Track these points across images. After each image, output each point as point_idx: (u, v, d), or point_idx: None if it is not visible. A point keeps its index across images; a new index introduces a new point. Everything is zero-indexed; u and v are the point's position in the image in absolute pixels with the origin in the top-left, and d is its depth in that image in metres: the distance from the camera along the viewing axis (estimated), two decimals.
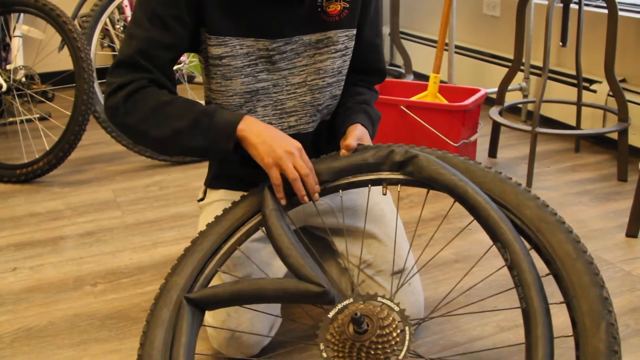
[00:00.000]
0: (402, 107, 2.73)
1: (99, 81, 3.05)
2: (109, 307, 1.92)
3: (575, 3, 2.82)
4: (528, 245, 1.31)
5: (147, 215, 2.51)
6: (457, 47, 3.70)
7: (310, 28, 1.54)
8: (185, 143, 1.44)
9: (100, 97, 3.01)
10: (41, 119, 3.36)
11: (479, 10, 3.82)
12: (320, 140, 1.69)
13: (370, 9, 1.63)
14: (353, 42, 1.62)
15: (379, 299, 1.32)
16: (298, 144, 1.46)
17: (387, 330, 1.23)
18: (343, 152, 1.52)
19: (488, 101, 3.33)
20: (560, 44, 2.88)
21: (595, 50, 3.07)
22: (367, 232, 1.68)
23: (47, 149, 2.85)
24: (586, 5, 2.93)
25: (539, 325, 1.19)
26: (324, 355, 1.25)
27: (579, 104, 2.98)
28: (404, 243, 1.74)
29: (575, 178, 2.77)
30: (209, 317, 1.60)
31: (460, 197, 1.37)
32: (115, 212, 2.56)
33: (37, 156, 2.88)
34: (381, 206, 1.72)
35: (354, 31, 1.60)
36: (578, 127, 3.04)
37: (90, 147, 3.27)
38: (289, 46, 1.53)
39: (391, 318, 1.25)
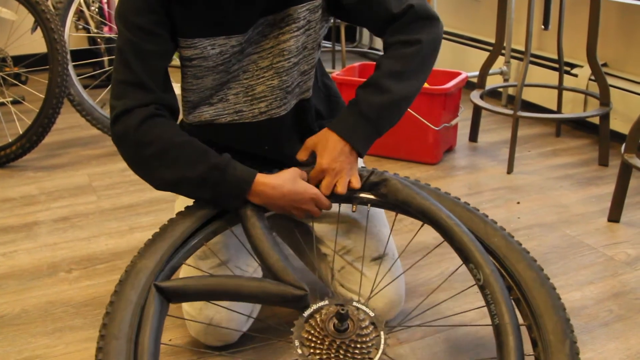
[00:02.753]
0: None
1: (73, 63, 2.99)
2: (84, 294, 1.88)
3: None
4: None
5: (123, 200, 2.47)
6: None
7: (272, 7, 1.48)
8: (190, 192, 1.43)
9: (75, 80, 2.95)
10: (14, 102, 3.29)
11: None
12: (305, 119, 1.64)
13: None
14: (317, 14, 1.51)
15: (355, 303, 1.34)
16: (309, 195, 1.46)
17: (365, 332, 1.26)
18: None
19: (468, 85, 3.30)
20: (543, 27, 2.86)
21: (577, 34, 3.06)
22: (347, 218, 1.65)
23: (21, 132, 2.79)
24: None
25: (512, 339, 1.25)
26: (299, 351, 1.24)
27: (560, 88, 2.97)
28: (385, 228, 1.71)
29: (557, 162, 2.76)
30: (187, 305, 1.56)
31: (434, 221, 1.43)
32: (91, 197, 2.51)
33: (10, 140, 2.82)
34: None
35: (317, 1, 1.49)
36: (559, 111, 3.02)
37: (65, 130, 3.22)
38: (256, 29, 1.49)
39: (367, 321, 1.29)
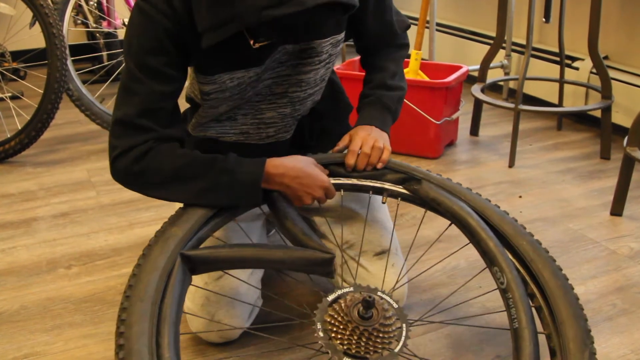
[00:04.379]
0: None
1: (72, 58, 2.97)
2: (83, 290, 1.87)
3: None
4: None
5: (122, 196, 2.45)
6: (437, 24, 3.65)
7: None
8: (210, 202, 1.41)
9: (74, 75, 2.93)
10: (13, 97, 3.27)
11: None
12: (303, 136, 1.65)
13: (367, 14, 1.58)
14: (339, 47, 1.56)
15: (379, 293, 1.34)
16: (322, 181, 1.46)
17: (389, 322, 1.25)
18: (347, 164, 1.53)
19: (468, 79, 3.29)
20: (544, 19, 2.84)
21: (578, 27, 3.04)
22: (350, 212, 1.64)
23: (19, 128, 2.78)
24: None
25: (529, 345, 1.26)
26: (321, 334, 1.24)
27: (561, 81, 2.95)
28: (388, 223, 1.70)
29: (558, 156, 2.74)
30: (188, 301, 1.55)
31: (461, 223, 1.46)
32: (90, 193, 2.50)
33: (8, 135, 2.80)
34: None
35: (340, 36, 1.54)
36: (560, 104, 3.01)
37: (64, 126, 3.20)
38: (274, 56, 1.47)
39: (391, 312, 1.28)
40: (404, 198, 1.55)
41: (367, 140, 1.53)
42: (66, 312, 1.77)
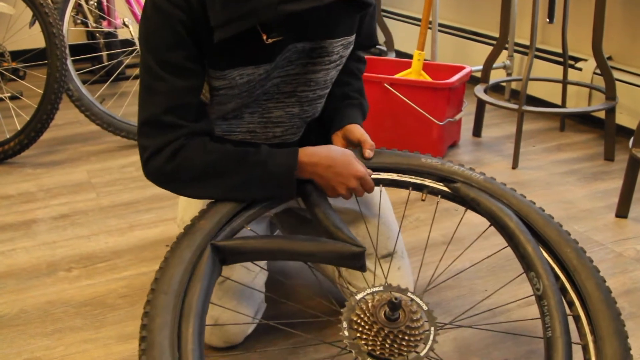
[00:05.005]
0: (385, 84, 2.66)
1: (72, 58, 2.95)
2: (83, 293, 1.84)
3: None
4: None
5: (123, 197, 2.43)
6: (439, 24, 3.63)
7: (305, 36, 1.45)
8: (245, 196, 1.41)
9: (74, 75, 2.91)
10: (12, 97, 3.24)
11: None
12: (309, 139, 1.63)
13: (367, 15, 1.58)
14: (349, 50, 1.55)
15: (409, 294, 1.33)
16: (358, 171, 1.45)
17: (416, 325, 1.24)
18: (368, 152, 1.53)
19: (471, 80, 3.27)
20: (548, 20, 2.82)
21: (581, 28, 3.02)
22: (356, 214, 1.62)
23: (19, 128, 2.76)
24: None
25: (562, 355, 1.21)
26: (346, 333, 1.24)
27: (565, 82, 2.93)
28: (394, 225, 1.68)
29: (562, 157, 2.72)
30: None
31: (500, 225, 1.44)
32: (90, 194, 2.47)
33: (8, 136, 2.78)
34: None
35: (352, 37, 1.53)
36: (563, 105, 2.99)
37: (64, 126, 3.18)
38: (283, 55, 1.45)
39: (419, 315, 1.26)
40: (444, 196, 1.54)
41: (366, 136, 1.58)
42: (66, 316, 1.75)
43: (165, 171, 1.37)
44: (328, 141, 1.65)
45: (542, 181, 2.50)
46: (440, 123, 2.64)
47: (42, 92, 2.71)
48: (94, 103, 2.94)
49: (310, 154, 1.41)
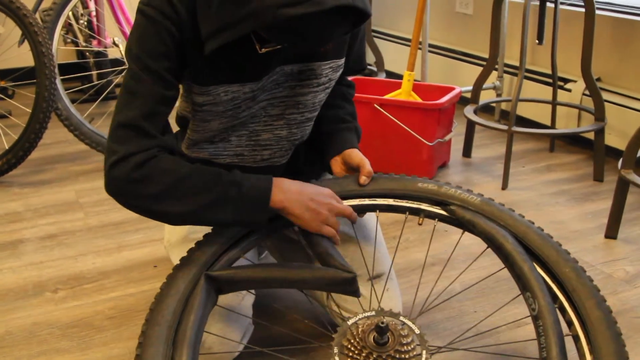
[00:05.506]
0: (375, 105, 2.66)
1: (61, 77, 2.94)
2: (70, 314, 1.82)
3: (551, 1, 2.78)
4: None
5: (111, 217, 2.41)
6: (429, 45, 3.65)
7: (293, 58, 1.45)
8: (212, 217, 1.36)
9: (63, 94, 2.90)
10: (1, 116, 3.24)
11: (452, 8, 3.78)
12: (297, 162, 1.64)
13: (357, 39, 1.59)
14: (338, 73, 1.55)
15: (401, 318, 1.33)
16: (329, 192, 1.46)
17: (406, 349, 1.24)
18: (364, 179, 1.54)
19: (460, 100, 3.27)
20: (537, 41, 2.83)
21: (570, 49, 3.04)
22: (344, 235, 1.61)
23: (7, 147, 2.74)
24: (561, 3, 2.89)
25: None
26: (337, 359, 1.25)
27: (554, 103, 2.94)
28: (381, 246, 1.67)
29: (551, 178, 2.73)
30: None
31: (496, 246, 1.43)
32: (78, 214, 2.46)
33: None
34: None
35: (341, 61, 1.53)
36: (553, 126, 3.00)
37: (52, 146, 3.16)
38: (271, 77, 1.44)
39: (410, 338, 1.27)
40: (441, 219, 1.53)
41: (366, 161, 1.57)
42: (52, 338, 1.72)
43: (131, 179, 1.31)
44: (315, 164, 1.65)
45: (531, 202, 2.50)
46: (430, 144, 2.65)
47: (30, 111, 2.70)
48: (83, 122, 2.92)
49: (282, 181, 1.40)
